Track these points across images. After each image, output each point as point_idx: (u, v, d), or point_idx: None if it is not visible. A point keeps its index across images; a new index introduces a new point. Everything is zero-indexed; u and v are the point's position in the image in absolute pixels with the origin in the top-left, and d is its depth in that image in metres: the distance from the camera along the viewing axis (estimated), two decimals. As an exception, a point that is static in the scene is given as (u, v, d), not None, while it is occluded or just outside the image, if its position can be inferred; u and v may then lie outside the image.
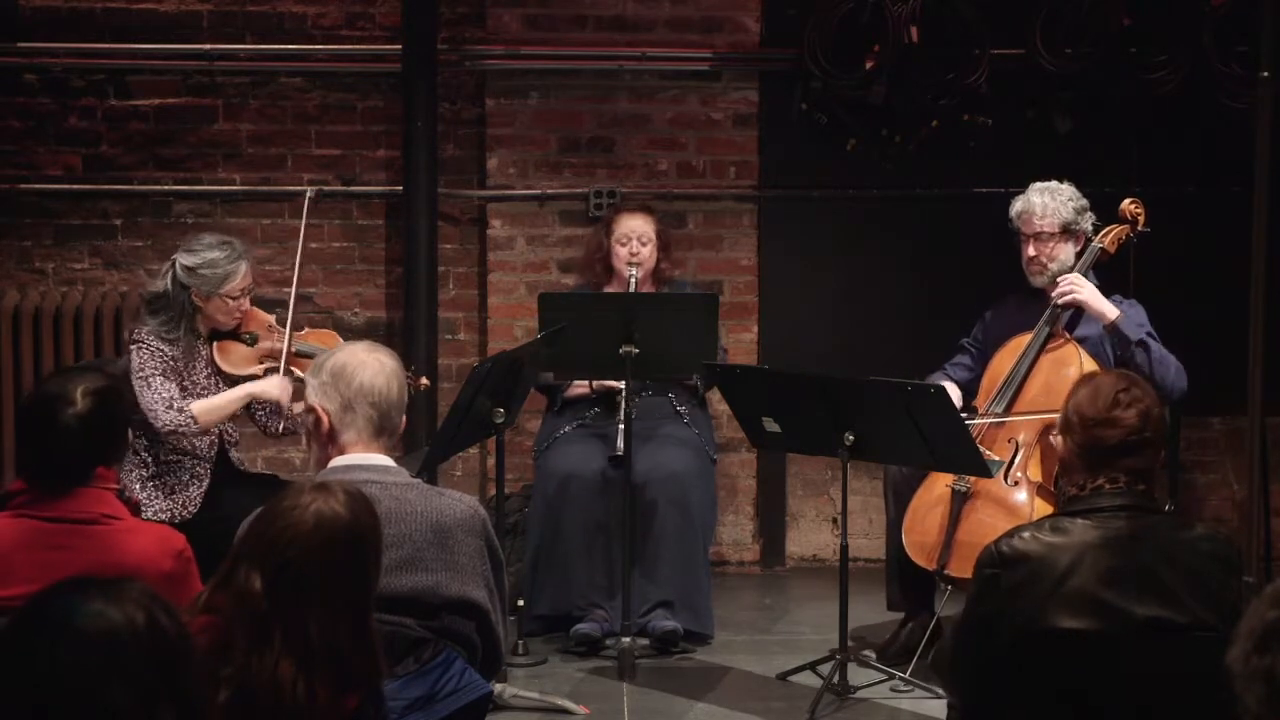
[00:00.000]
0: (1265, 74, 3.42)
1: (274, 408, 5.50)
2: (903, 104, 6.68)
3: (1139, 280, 6.60)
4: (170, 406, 5.20)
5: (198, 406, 5.24)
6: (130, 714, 1.95)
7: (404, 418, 3.55)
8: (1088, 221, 5.67)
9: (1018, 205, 5.69)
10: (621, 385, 5.87)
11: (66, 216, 6.94)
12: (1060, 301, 5.55)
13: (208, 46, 6.89)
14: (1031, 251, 5.65)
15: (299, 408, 5.30)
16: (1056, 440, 3.52)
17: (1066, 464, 3.48)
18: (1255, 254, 3.43)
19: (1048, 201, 5.63)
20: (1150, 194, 6.11)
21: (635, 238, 6.14)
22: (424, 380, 5.78)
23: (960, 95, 6.66)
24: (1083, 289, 5.53)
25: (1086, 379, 3.55)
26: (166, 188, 6.94)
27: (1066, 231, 5.63)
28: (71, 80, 6.89)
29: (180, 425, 5.19)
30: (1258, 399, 3.41)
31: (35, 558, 3.41)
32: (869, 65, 6.60)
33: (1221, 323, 6.10)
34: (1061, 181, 5.71)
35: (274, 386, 5.37)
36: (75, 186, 6.92)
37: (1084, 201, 5.68)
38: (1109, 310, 5.52)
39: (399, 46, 6.82)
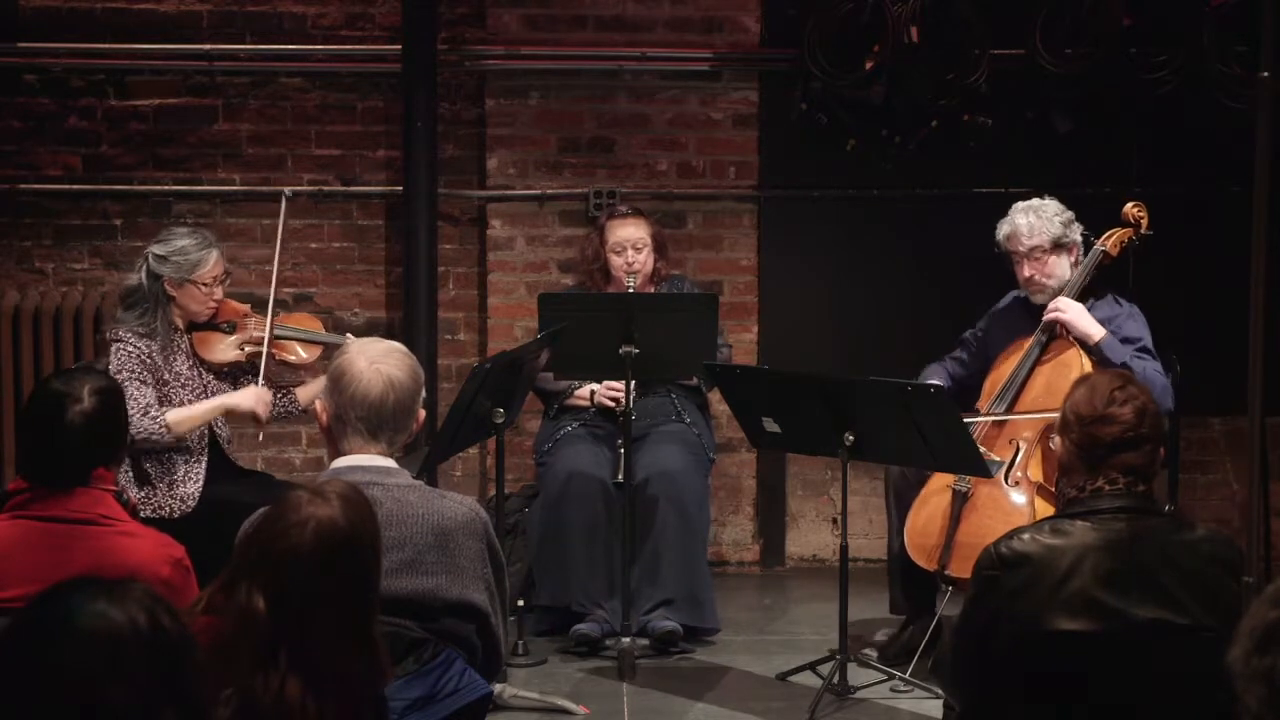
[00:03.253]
0: (1265, 74, 3.41)
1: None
2: (903, 104, 6.67)
3: (1139, 280, 6.59)
4: (145, 413, 5.21)
5: (172, 416, 5.28)
6: (131, 715, 1.94)
7: (414, 423, 3.53)
8: (1076, 232, 5.66)
9: (1004, 229, 5.68)
10: (618, 404, 5.89)
11: (66, 216, 6.94)
12: (1046, 320, 5.56)
13: (208, 46, 6.89)
14: (1027, 272, 5.65)
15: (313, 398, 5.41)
16: (1055, 441, 3.53)
17: (1065, 465, 3.48)
18: (1255, 254, 3.42)
19: (1033, 221, 5.62)
20: (1150, 194, 6.11)
21: (630, 246, 6.14)
22: None
23: (960, 95, 6.65)
24: (1068, 310, 5.53)
25: (1083, 379, 3.56)
26: (166, 188, 6.95)
27: (1058, 246, 5.63)
28: (71, 80, 6.89)
29: (153, 433, 5.23)
30: (1258, 399, 3.41)
31: (33, 558, 3.41)
32: (869, 65, 6.59)
33: (1221, 323, 6.11)
34: (1043, 197, 5.72)
35: (249, 399, 5.41)
36: (75, 186, 6.92)
37: (1069, 214, 5.67)
38: (1094, 331, 5.51)
39: (399, 46, 6.82)
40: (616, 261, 6.15)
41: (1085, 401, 3.42)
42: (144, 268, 5.39)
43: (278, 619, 2.67)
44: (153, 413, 5.24)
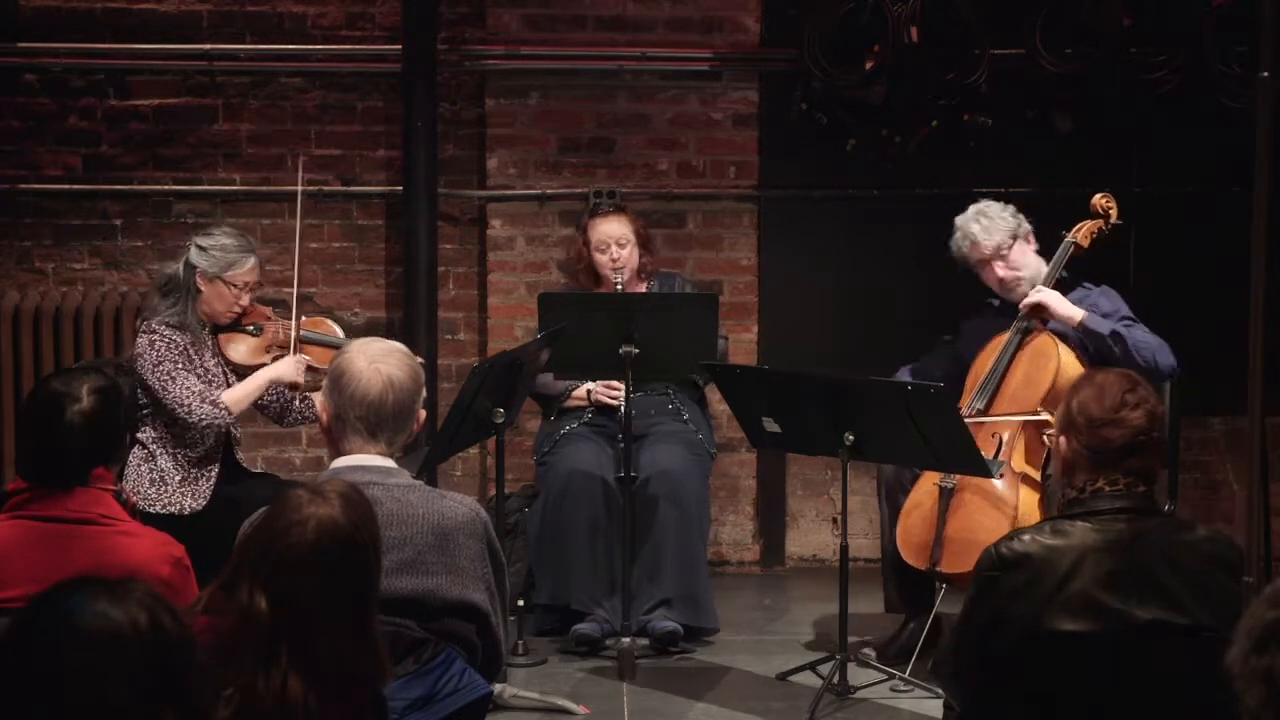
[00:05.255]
0: (1265, 74, 3.41)
1: (286, 398, 5.62)
2: (903, 104, 6.67)
3: (1139, 280, 6.60)
4: (203, 400, 5.30)
5: (228, 397, 5.37)
6: (132, 715, 1.94)
7: (414, 423, 3.53)
8: (1023, 219, 5.71)
9: (962, 244, 5.72)
10: (618, 401, 5.89)
11: (66, 216, 6.94)
12: (1023, 307, 5.56)
13: (208, 46, 6.89)
14: (1000, 273, 5.69)
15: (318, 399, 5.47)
16: (1059, 441, 3.49)
17: (1069, 465, 3.45)
18: (1255, 254, 3.42)
19: (986, 224, 5.68)
20: (1150, 194, 6.12)
21: (613, 242, 6.14)
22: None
23: (960, 95, 6.65)
24: (1047, 294, 5.55)
25: (1089, 378, 3.50)
26: (166, 188, 6.95)
27: (1015, 237, 5.68)
28: (71, 80, 6.89)
29: (216, 418, 5.32)
30: (1258, 399, 3.40)
31: (33, 558, 3.41)
32: (869, 65, 6.59)
33: (1221, 323, 6.10)
34: (977, 201, 5.77)
35: (289, 369, 5.49)
36: (75, 186, 6.92)
37: (1011, 206, 5.73)
38: (1074, 313, 5.53)
39: (399, 46, 6.82)
40: (601, 259, 6.15)
41: (1095, 403, 3.38)
42: (184, 257, 5.46)
43: (278, 618, 2.67)
44: (210, 397, 5.30)
